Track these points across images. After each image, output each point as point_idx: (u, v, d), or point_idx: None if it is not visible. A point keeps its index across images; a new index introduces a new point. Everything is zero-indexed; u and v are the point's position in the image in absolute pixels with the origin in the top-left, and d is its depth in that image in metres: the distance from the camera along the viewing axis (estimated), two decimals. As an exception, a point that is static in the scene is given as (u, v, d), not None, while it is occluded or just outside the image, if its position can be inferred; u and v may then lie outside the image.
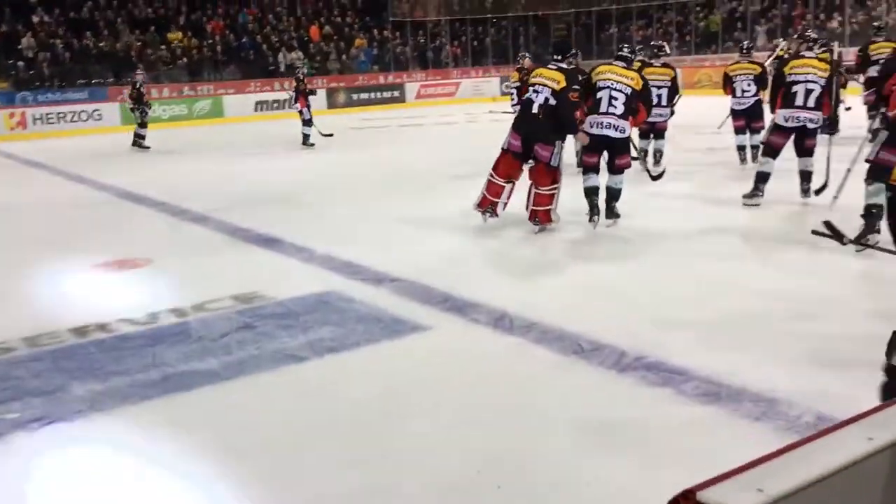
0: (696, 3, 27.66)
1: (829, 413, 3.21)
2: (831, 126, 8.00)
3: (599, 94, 6.92)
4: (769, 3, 25.59)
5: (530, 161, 7.01)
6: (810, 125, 7.36)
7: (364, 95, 26.46)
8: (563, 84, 6.85)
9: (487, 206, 7.14)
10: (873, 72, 9.32)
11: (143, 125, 16.18)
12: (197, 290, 5.58)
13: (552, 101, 6.83)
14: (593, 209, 7.04)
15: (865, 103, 10.08)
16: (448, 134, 17.71)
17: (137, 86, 16.27)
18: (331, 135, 15.01)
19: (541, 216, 6.96)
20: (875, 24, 16.18)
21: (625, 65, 7.13)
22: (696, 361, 3.92)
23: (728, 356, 4.01)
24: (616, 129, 6.86)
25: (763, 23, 25.31)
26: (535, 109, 6.89)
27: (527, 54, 12.35)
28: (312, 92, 15.26)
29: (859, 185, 5.94)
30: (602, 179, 7.16)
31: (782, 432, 3.16)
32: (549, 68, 7.06)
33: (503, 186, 7.11)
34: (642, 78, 7.18)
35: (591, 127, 6.91)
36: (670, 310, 4.83)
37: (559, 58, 7.23)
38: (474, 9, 30.91)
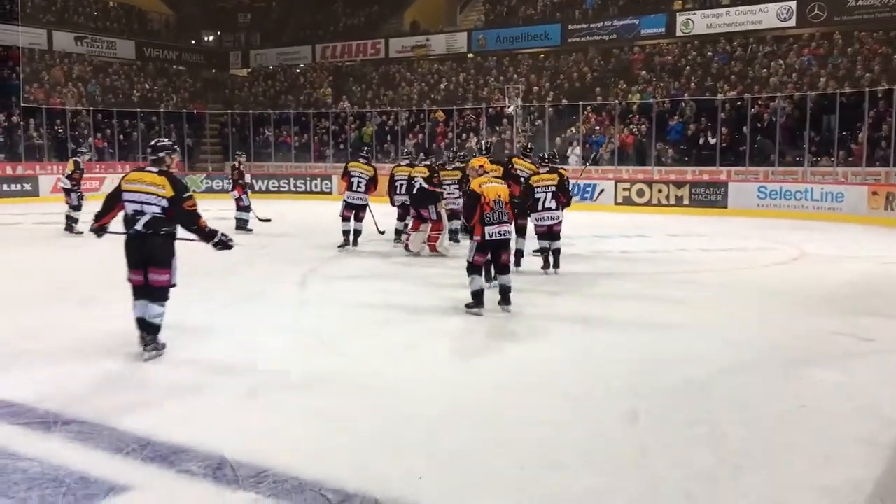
0: (350, 114, 28.81)
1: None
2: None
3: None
4: (415, 119, 27.50)
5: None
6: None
7: (-13, 187, 23.23)
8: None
9: None
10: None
11: None
12: None
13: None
14: None
15: None
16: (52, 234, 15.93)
17: None
18: (269, 220, 15.27)
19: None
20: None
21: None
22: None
23: (474, 496, 3.69)
24: None
25: (411, 136, 27.05)
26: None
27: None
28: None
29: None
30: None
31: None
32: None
33: None
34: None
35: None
36: (416, 445, 4.41)
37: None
38: (120, 102, 29.05)
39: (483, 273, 7.99)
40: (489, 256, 7.86)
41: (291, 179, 26.84)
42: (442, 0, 34.53)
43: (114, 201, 6.21)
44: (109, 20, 33.25)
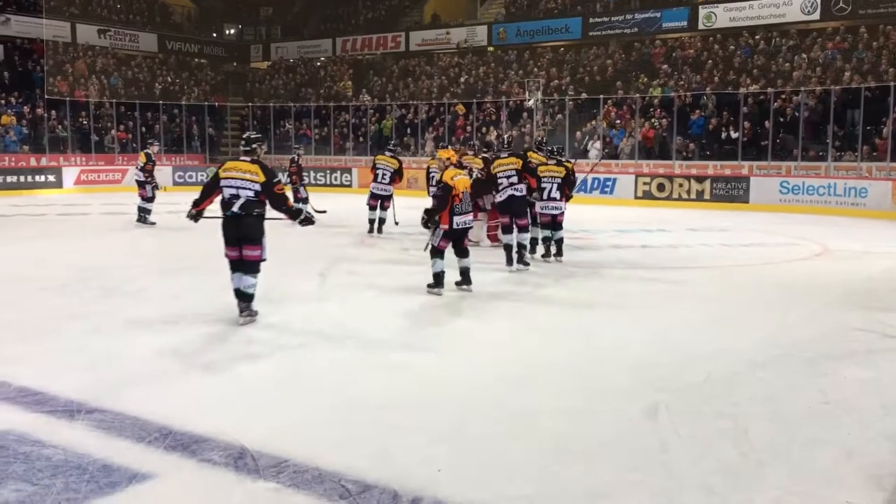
0: (370, 108, 28.83)
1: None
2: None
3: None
4: (434, 113, 27.47)
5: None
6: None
7: (12, 178, 23.45)
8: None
9: None
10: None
11: None
12: None
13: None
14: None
15: None
16: (120, 225, 16.06)
17: None
18: (324, 211, 15.16)
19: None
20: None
21: None
22: (474, 496, 3.54)
23: (494, 486, 3.68)
24: None
25: (430, 130, 27.03)
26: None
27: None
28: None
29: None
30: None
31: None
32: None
33: None
34: None
35: None
36: (435, 435, 4.42)
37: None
38: (142, 95, 29.26)
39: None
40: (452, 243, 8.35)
41: (311, 172, 26.88)
42: (462, -7, 34.50)
43: (212, 188, 7.10)
44: (132, 13, 33.47)
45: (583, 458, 4.08)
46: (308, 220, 7.57)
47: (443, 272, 8.28)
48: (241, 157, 7.04)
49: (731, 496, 3.66)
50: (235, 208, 6.81)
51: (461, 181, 8.19)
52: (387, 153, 14.08)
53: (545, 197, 10.43)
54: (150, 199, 15.25)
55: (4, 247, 12.21)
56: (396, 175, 13.61)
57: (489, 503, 3.57)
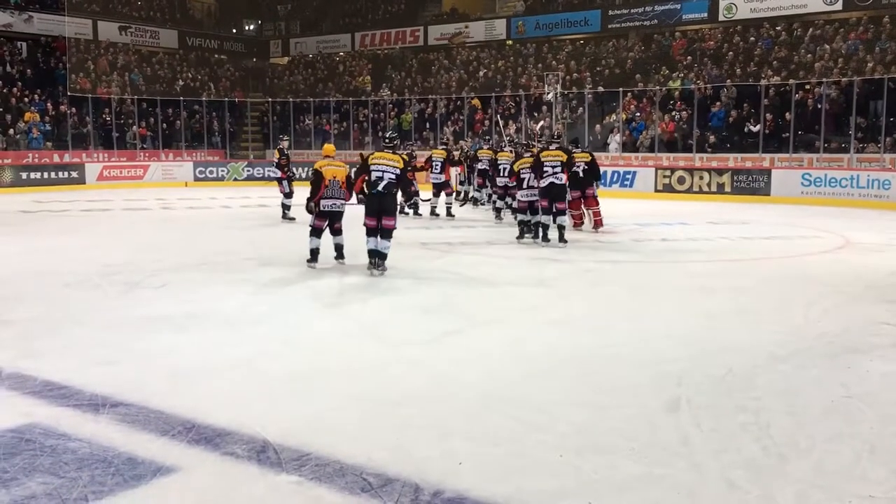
0: (389, 102, 28.89)
1: None
2: None
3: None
4: (454, 107, 27.47)
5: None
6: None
7: (36, 175, 23.72)
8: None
9: None
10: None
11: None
12: None
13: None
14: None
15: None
16: (143, 221, 16.22)
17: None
18: (428, 200, 16.21)
19: None
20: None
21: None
22: (494, 490, 3.55)
23: (514, 480, 3.70)
24: None
25: (449, 124, 27.04)
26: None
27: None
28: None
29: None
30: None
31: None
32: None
33: None
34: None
35: None
36: (454, 428, 4.43)
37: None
38: (163, 91, 29.48)
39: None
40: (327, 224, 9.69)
41: (330, 167, 26.94)
42: (481, -14, 34.43)
43: (361, 173, 9.17)
44: (153, 10, 33.72)
45: (604, 451, 4.08)
46: (415, 206, 12.41)
47: (318, 249, 9.65)
48: (385, 149, 9.35)
49: (752, 490, 3.65)
50: (380, 187, 8.98)
51: (329, 171, 9.50)
52: (440, 147, 16.88)
53: (525, 185, 11.95)
54: (289, 195, 15.07)
55: (28, 242, 12.36)
56: (448, 163, 16.04)
57: (510, 497, 3.57)
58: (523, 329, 6.84)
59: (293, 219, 14.54)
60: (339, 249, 9.84)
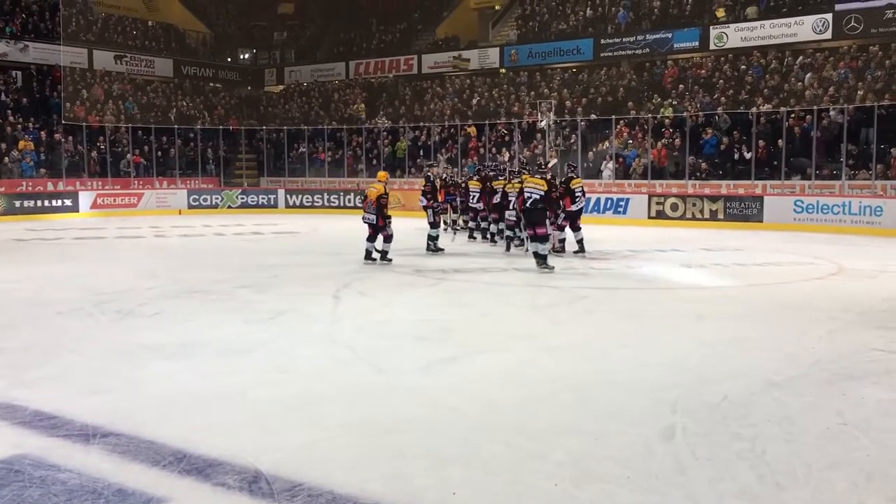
0: (383, 129, 29.02)
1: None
2: None
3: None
4: (447, 134, 27.60)
5: None
6: None
7: (29, 203, 23.70)
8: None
9: None
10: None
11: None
12: None
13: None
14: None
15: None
16: (136, 249, 16.18)
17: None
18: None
19: None
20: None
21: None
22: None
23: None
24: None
25: (444, 152, 27.14)
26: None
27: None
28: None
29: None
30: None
31: None
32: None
33: None
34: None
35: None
36: (449, 456, 4.39)
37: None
38: (158, 119, 29.56)
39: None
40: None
41: (325, 194, 27.04)
42: (474, 16, 34.71)
43: (520, 194, 12.38)
44: (148, 39, 33.90)
45: (599, 480, 4.05)
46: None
47: (367, 251, 12.57)
48: (534, 175, 12.21)
49: (749, 519, 3.62)
50: (529, 204, 11.58)
51: (369, 191, 12.43)
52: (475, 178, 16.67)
53: (511, 207, 13.82)
54: (434, 225, 14.30)
55: (21, 271, 12.32)
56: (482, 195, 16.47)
57: (504, 527, 3.54)
58: (518, 356, 6.81)
59: (441, 250, 14.10)
60: (368, 254, 12.48)
